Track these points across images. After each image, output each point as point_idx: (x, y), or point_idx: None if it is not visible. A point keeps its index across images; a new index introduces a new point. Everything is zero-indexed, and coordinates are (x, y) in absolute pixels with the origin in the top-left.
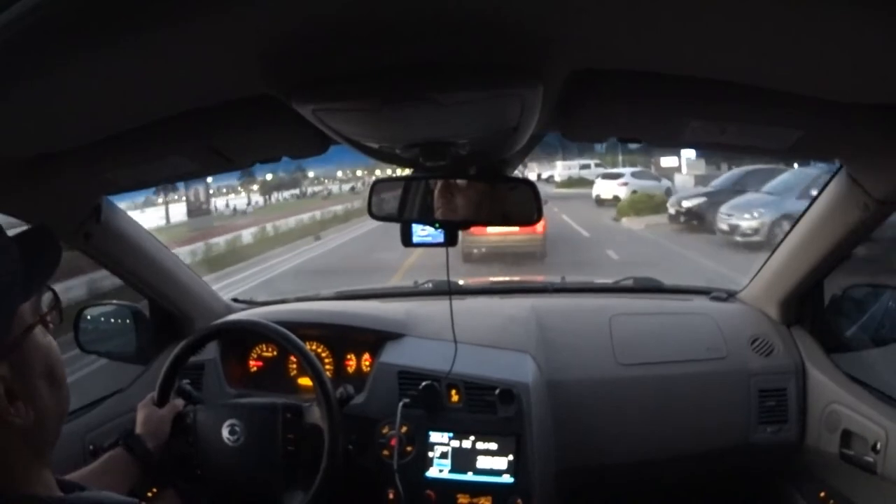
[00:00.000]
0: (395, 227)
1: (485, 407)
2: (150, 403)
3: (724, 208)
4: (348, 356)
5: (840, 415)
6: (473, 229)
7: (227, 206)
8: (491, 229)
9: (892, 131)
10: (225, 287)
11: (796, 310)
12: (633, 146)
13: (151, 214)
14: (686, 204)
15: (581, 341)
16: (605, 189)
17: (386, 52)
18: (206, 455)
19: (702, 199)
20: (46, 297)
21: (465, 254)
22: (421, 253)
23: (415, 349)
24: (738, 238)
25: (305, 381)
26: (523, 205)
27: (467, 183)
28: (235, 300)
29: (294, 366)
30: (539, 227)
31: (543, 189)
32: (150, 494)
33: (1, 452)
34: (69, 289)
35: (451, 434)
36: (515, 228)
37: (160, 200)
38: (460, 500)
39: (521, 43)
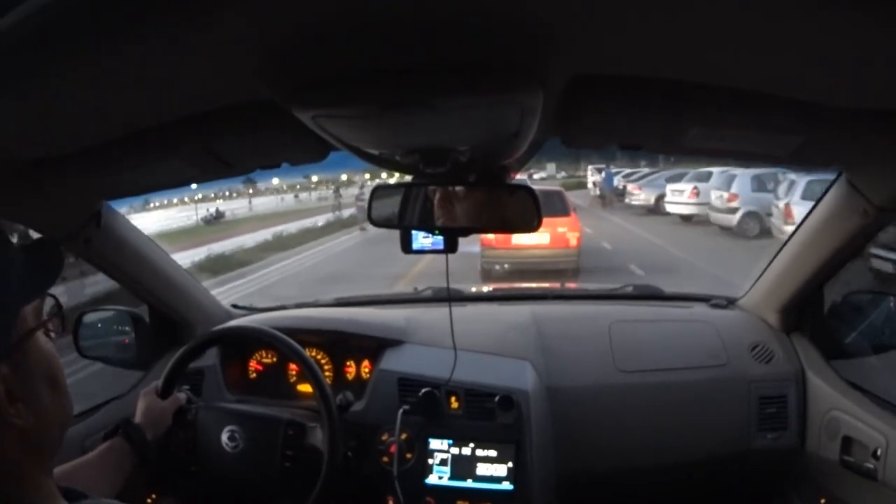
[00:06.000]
0: None
1: (484, 414)
2: (152, 393)
3: None
4: (348, 363)
5: (840, 421)
6: (495, 242)
7: None
8: (517, 241)
9: (892, 137)
10: None
11: (796, 317)
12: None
13: None
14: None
15: (581, 348)
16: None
17: (386, 57)
18: (203, 455)
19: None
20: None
21: (483, 271)
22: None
23: (414, 356)
24: None
25: (305, 388)
26: (523, 211)
27: (467, 189)
28: (235, 306)
29: (294, 372)
30: (573, 240)
31: None
32: (149, 501)
33: (2, 456)
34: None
35: (450, 441)
36: (545, 241)
37: None
38: None
39: (521, 48)
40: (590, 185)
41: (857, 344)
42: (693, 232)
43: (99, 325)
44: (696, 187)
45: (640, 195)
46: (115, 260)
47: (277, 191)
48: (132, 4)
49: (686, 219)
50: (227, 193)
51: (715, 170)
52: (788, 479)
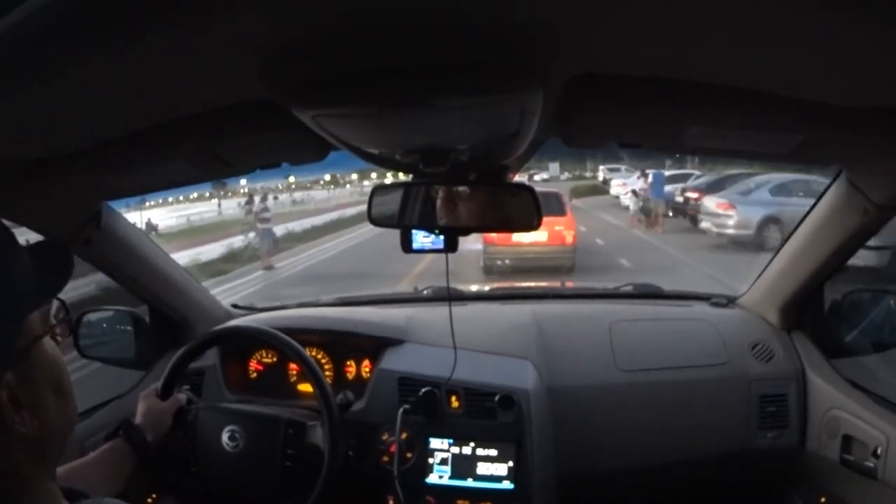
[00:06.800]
0: None
1: (485, 413)
2: (152, 394)
3: None
4: (348, 362)
5: (840, 420)
6: (497, 239)
7: None
8: (517, 239)
9: (892, 136)
10: None
11: (796, 315)
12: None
13: None
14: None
15: (581, 347)
16: None
17: (385, 56)
18: (203, 455)
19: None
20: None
21: (486, 266)
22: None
23: (415, 355)
24: None
25: (305, 388)
26: (524, 210)
27: (467, 189)
28: (235, 306)
29: (294, 372)
30: (569, 238)
31: None
32: (149, 501)
33: (6, 462)
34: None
35: (451, 440)
36: (543, 238)
37: None
38: None
39: (521, 47)
40: (616, 192)
41: (857, 342)
42: None
43: (101, 325)
44: None
45: (730, 217)
46: (115, 260)
47: (249, 193)
48: (132, 5)
49: None
50: (224, 193)
51: None
52: (788, 477)
